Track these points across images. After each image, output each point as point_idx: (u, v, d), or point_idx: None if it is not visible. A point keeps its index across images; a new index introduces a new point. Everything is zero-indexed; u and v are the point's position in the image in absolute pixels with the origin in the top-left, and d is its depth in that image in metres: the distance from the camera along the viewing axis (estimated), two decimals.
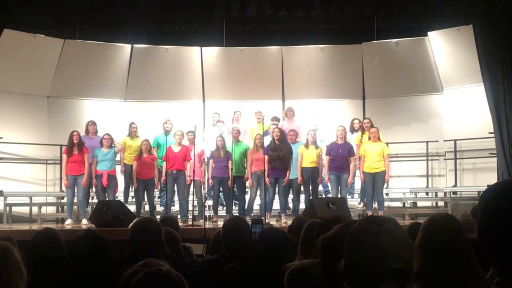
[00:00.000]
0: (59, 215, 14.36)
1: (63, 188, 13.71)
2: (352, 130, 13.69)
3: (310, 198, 12.32)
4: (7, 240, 3.94)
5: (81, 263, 3.98)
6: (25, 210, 14.26)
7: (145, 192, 12.83)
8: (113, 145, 12.84)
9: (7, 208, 13.56)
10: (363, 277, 2.16)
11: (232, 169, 12.46)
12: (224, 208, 13.01)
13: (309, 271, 3.63)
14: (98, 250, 4.01)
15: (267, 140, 12.85)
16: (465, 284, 3.21)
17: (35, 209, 14.19)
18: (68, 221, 12.48)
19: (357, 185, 13.66)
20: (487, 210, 1.92)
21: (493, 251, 1.89)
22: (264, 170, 12.08)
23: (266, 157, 12.16)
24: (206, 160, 13.21)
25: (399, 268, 2.14)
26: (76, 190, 12.51)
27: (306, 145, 12.61)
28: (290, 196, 12.68)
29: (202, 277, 4.63)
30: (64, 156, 12.58)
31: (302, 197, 12.96)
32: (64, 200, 13.66)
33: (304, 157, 12.49)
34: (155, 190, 13.44)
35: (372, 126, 12.94)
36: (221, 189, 12.76)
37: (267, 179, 12.13)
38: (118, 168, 13.25)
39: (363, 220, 2.34)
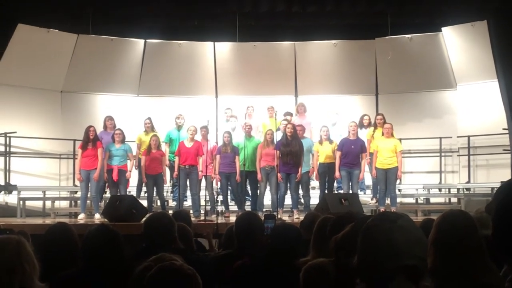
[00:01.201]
0: (72, 209, 14.43)
1: (77, 183, 13.78)
2: (361, 126, 13.62)
3: (325, 192, 12.34)
4: (21, 234, 3.97)
5: (94, 257, 3.99)
6: (38, 204, 14.33)
7: (155, 187, 12.85)
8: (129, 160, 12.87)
9: (21, 202, 13.63)
10: (376, 273, 2.15)
11: (244, 164, 12.47)
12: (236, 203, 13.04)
13: (326, 269, 3.63)
14: (111, 244, 4.03)
15: (280, 136, 12.83)
16: (478, 281, 3.19)
17: (48, 204, 14.26)
18: (81, 216, 12.51)
19: (369, 181, 13.63)
20: (502, 207, 1.91)
21: (507, 248, 1.88)
22: (277, 165, 12.06)
23: (277, 152, 12.13)
24: None
25: (413, 265, 2.13)
26: (89, 185, 12.53)
27: (320, 142, 12.61)
28: (300, 192, 12.65)
29: (215, 272, 4.64)
30: (79, 151, 12.60)
31: (314, 192, 12.94)
32: (77, 195, 13.72)
33: (320, 153, 12.50)
34: (168, 185, 13.48)
35: (385, 122, 12.89)
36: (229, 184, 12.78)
37: (279, 175, 12.12)
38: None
39: (377, 216, 2.33)
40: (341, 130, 13.58)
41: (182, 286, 2.67)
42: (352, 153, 12.39)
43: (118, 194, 12.44)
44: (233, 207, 13.09)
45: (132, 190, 13.40)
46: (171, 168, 13.20)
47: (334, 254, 3.68)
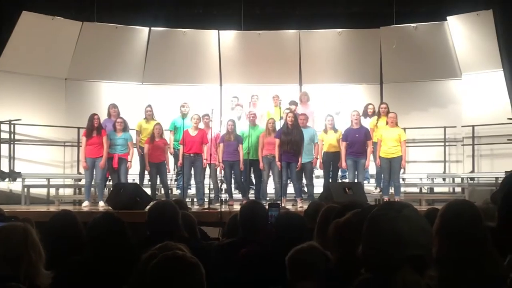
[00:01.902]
0: (76, 197, 14.48)
1: (81, 170, 13.82)
2: (366, 115, 13.59)
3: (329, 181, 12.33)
4: (25, 221, 3.98)
5: (99, 245, 4.00)
6: (42, 191, 14.38)
7: (158, 175, 12.86)
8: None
9: (25, 189, 13.68)
10: (381, 263, 2.15)
11: (248, 153, 12.46)
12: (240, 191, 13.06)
13: (314, 253, 3.64)
14: (116, 232, 4.04)
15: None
16: (482, 271, 3.20)
17: (52, 191, 14.31)
18: (85, 203, 12.53)
19: (373, 170, 13.61)
20: (507, 198, 1.91)
21: None
22: (280, 154, 12.02)
23: (277, 140, 12.10)
24: None
25: (418, 254, 2.13)
26: (94, 172, 12.55)
27: (325, 130, 12.60)
28: (304, 181, 12.65)
29: (219, 260, 4.65)
30: (83, 139, 12.59)
31: (317, 181, 12.94)
32: (81, 182, 13.74)
33: (324, 142, 12.49)
34: (172, 173, 13.49)
35: (389, 111, 12.86)
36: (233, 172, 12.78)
37: (278, 163, 12.07)
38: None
39: (382, 206, 2.33)
40: (345, 119, 13.56)
41: (185, 275, 2.68)
42: (357, 142, 12.37)
43: (119, 182, 12.47)
44: (237, 195, 13.10)
45: (135, 178, 13.41)
46: (176, 156, 13.20)
47: (334, 240, 3.68)
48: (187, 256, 2.76)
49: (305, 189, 12.70)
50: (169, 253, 2.79)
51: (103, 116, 13.35)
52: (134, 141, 13.19)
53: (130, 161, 12.76)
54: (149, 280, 2.70)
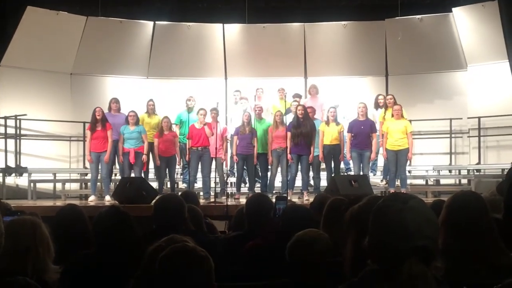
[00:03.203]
0: (82, 191, 14.50)
1: (87, 165, 13.83)
2: (377, 106, 13.52)
3: (332, 175, 12.26)
4: (32, 215, 3.98)
5: (105, 239, 4.00)
6: (49, 186, 14.40)
7: (167, 169, 12.84)
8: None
9: (32, 184, 13.69)
10: (387, 255, 2.15)
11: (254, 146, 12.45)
12: (246, 185, 13.03)
13: (312, 241, 3.63)
14: (122, 226, 4.03)
15: (290, 118, 12.77)
16: (489, 262, 3.19)
17: (59, 186, 14.34)
18: (92, 198, 12.54)
19: (380, 162, 13.59)
20: None
21: None
22: (287, 147, 12.02)
23: (289, 134, 12.08)
24: (229, 137, 13.22)
25: (424, 246, 2.13)
26: (99, 167, 12.55)
27: (327, 122, 12.54)
28: (310, 174, 12.62)
29: (225, 254, 4.65)
30: (88, 133, 12.58)
31: (324, 174, 12.93)
32: (88, 177, 13.75)
33: (325, 134, 12.43)
34: (178, 167, 13.47)
35: (395, 102, 12.81)
36: (245, 166, 12.75)
37: (289, 156, 12.07)
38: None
39: (388, 197, 2.32)
40: (345, 112, 13.56)
41: (194, 268, 2.68)
42: (362, 134, 12.33)
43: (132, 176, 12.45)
44: (243, 189, 13.08)
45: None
46: (182, 150, 13.19)
47: (348, 228, 3.66)
48: (197, 249, 2.76)
49: (312, 182, 12.68)
50: (178, 246, 2.79)
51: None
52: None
53: (146, 154, 12.70)
54: (158, 273, 2.70)
